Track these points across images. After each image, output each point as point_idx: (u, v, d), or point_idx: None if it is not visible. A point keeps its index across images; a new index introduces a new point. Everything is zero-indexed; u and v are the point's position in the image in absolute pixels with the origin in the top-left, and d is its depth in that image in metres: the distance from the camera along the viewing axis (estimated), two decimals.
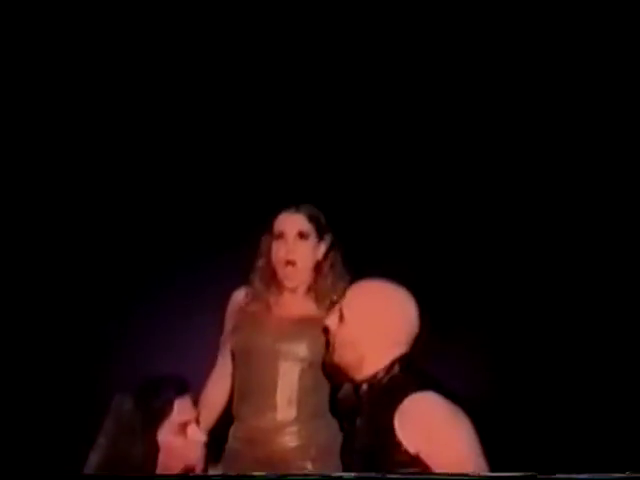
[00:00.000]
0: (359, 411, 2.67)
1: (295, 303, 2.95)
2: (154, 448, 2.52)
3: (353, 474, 2.56)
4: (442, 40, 3.71)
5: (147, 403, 2.52)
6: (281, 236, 2.89)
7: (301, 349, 2.88)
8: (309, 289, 2.95)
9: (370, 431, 2.60)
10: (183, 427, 2.55)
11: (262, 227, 3.05)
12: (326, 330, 2.74)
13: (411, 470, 2.51)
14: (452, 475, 2.50)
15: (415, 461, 2.51)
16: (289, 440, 2.89)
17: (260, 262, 2.96)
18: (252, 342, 2.90)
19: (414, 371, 2.65)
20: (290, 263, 2.88)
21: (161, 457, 2.53)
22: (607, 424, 3.57)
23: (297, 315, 2.93)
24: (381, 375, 2.64)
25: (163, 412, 2.52)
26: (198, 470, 2.62)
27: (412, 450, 2.51)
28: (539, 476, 2.34)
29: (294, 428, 2.88)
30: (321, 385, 2.92)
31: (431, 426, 2.51)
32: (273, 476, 2.73)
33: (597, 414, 3.61)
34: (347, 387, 2.77)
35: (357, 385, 2.69)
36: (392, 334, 2.66)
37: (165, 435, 2.54)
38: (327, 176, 3.67)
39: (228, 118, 3.74)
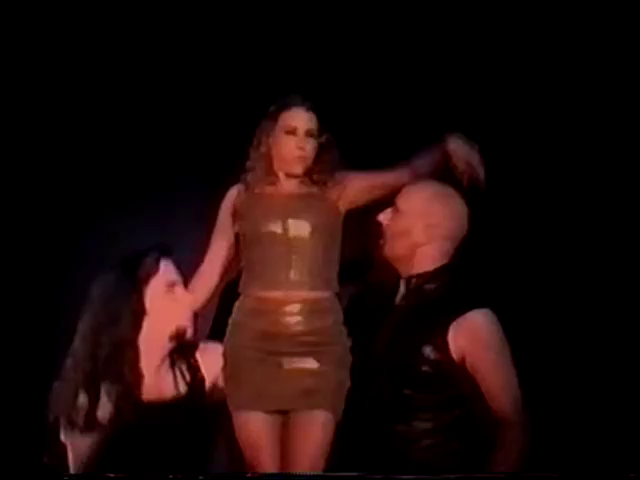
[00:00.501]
0: (401, 306, 2.81)
1: (294, 185, 3.04)
2: (142, 309, 2.56)
3: (353, 474, 2.55)
4: None
5: (133, 267, 2.57)
6: (293, 132, 2.99)
7: (309, 222, 2.96)
8: (305, 175, 3.03)
9: (416, 328, 2.72)
10: (171, 287, 2.61)
11: (247, 121, 3.09)
12: (377, 224, 2.88)
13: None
14: (454, 476, 2.53)
15: (454, 366, 2.66)
16: (293, 314, 2.91)
17: (259, 149, 3.03)
18: (260, 223, 2.97)
19: (468, 285, 2.80)
20: (300, 157, 2.99)
21: (151, 319, 2.57)
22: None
23: (298, 193, 3.03)
24: (430, 277, 2.79)
25: (149, 273, 2.58)
26: (189, 335, 2.66)
27: (457, 358, 2.67)
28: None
29: (300, 301, 2.91)
30: (331, 260, 2.99)
31: (486, 343, 2.67)
32: (273, 476, 2.72)
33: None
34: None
35: (408, 279, 2.81)
36: (444, 227, 2.80)
37: (153, 295, 2.58)
38: (321, 72, 3.54)
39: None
